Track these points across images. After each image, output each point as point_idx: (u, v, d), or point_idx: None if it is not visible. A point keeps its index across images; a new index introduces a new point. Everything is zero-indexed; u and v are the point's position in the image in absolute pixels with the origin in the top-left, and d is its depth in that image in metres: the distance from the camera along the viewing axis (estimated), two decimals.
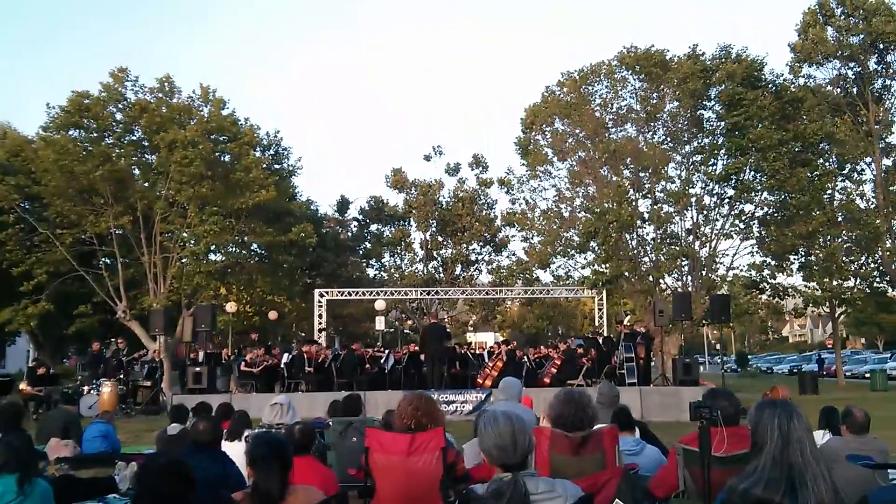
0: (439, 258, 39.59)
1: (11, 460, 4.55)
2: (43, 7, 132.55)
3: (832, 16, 28.88)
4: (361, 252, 40.84)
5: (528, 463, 3.09)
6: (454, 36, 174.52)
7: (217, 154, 28.11)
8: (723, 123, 28.45)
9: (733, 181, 28.59)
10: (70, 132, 26.76)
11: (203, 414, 7.47)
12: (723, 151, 28.67)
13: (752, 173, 28.24)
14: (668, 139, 30.31)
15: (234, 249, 30.90)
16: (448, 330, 23.63)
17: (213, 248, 27.99)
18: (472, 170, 39.19)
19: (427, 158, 39.35)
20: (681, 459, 4.36)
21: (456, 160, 40.18)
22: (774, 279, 29.46)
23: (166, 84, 27.96)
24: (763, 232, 29.40)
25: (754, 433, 2.87)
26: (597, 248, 28.61)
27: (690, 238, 29.58)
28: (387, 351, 21.75)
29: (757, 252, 29.71)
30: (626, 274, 28.12)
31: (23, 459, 4.61)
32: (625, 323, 22.25)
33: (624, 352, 19.87)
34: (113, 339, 24.31)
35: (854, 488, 4.22)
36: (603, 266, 27.79)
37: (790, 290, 30.51)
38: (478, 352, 24.01)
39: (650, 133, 30.41)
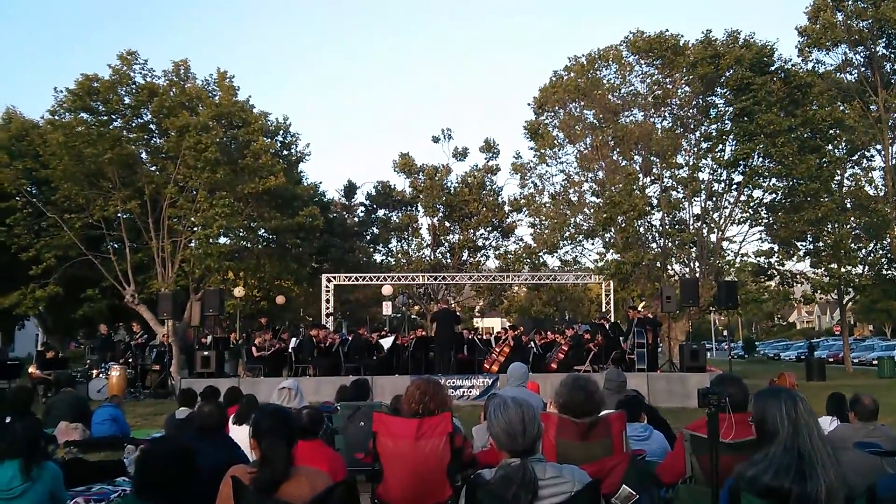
0: (446, 243, 39.60)
1: (14, 446, 4.54)
2: None
3: (842, 0, 28.65)
4: (369, 237, 40.87)
5: (536, 448, 3.09)
6: (462, 20, 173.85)
7: (227, 140, 28.13)
8: (731, 109, 28.27)
9: (742, 167, 28.47)
10: (79, 115, 26.71)
11: (208, 398, 7.50)
12: (731, 137, 28.52)
13: (761, 159, 28.09)
14: (678, 125, 30.16)
15: (242, 233, 30.93)
16: (459, 314, 23.61)
17: (221, 231, 27.98)
18: (483, 153, 39.24)
19: (435, 140, 39.36)
20: (688, 445, 4.36)
21: (464, 145, 40.03)
22: (783, 266, 29.39)
23: (182, 67, 27.90)
24: (771, 218, 29.29)
25: (761, 421, 2.88)
26: (612, 237, 28.52)
27: (699, 224, 29.46)
28: (392, 336, 21.84)
29: (765, 239, 29.64)
30: (640, 262, 28.05)
31: (26, 444, 4.59)
32: (638, 308, 22.18)
33: (636, 337, 19.83)
34: (121, 324, 24.40)
35: (862, 476, 4.22)
36: (619, 256, 27.66)
37: (798, 276, 30.41)
38: (485, 337, 24.02)
39: (659, 119, 30.26)
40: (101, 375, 19.20)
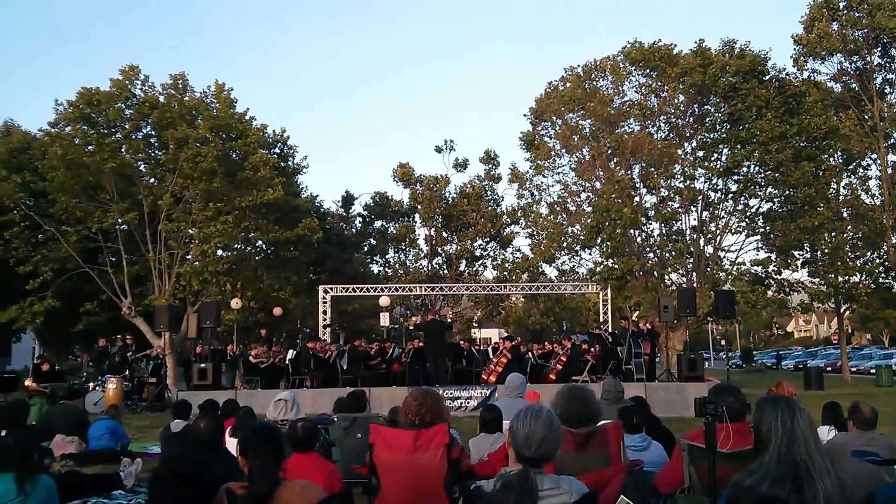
0: (444, 254, 39.61)
1: (6, 459, 4.51)
2: (50, 7, 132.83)
3: (837, 10, 28.72)
4: (366, 248, 40.85)
5: (540, 464, 3.09)
6: (460, 31, 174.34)
7: (225, 152, 28.12)
8: (724, 116, 28.26)
9: (736, 174, 28.46)
10: (79, 126, 26.61)
11: (205, 412, 7.48)
12: (725, 144, 28.52)
13: (756, 167, 28.10)
14: (673, 134, 30.17)
15: (239, 246, 30.88)
16: (449, 322, 23.55)
17: (220, 246, 27.90)
18: (484, 165, 39.37)
19: (438, 150, 39.61)
20: (686, 455, 4.35)
21: (463, 156, 40.32)
22: (780, 275, 29.36)
23: (180, 81, 27.89)
24: (768, 227, 29.28)
25: (758, 430, 2.87)
26: (602, 244, 28.50)
27: (695, 234, 29.43)
28: (393, 345, 21.89)
29: (762, 248, 29.60)
30: (633, 270, 28.01)
31: (19, 457, 4.56)
32: (631, 319, 22.19)
33: (632, 347, 19.85)
34: (119, 336, 24.32)
35: (860, 484, 4.20)
36: (610, 262, 27.64)
37: (796, 285, 30.38)
38: (482, 348, 23.97)
39: (654, 128, 30.24)
40: (97, 388, 19.13)
